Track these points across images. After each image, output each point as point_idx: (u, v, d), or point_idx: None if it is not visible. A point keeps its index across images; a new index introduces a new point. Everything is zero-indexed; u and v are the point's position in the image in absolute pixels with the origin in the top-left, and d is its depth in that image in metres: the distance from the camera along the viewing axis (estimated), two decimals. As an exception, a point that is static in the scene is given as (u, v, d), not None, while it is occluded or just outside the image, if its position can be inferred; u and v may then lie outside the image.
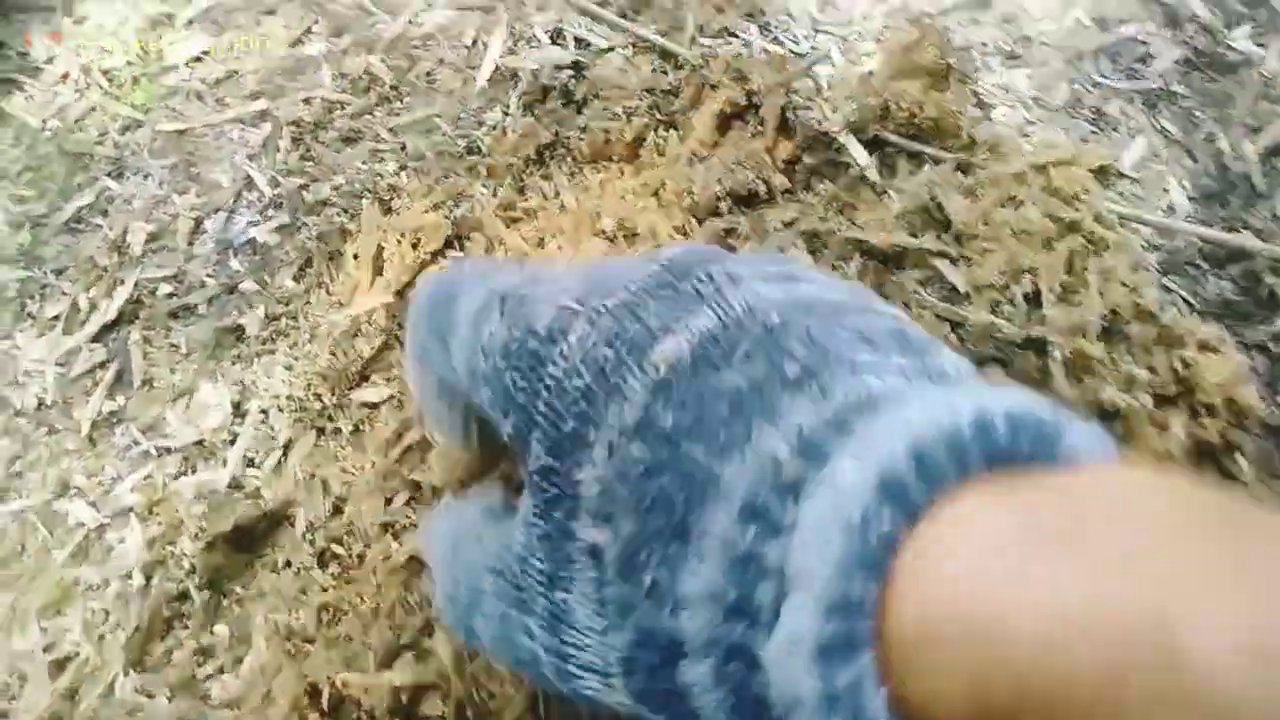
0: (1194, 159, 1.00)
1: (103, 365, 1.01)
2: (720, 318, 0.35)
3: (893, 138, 0.98)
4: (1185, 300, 0.89)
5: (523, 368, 0.37)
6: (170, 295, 1.06)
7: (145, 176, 1.16)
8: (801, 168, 0.98)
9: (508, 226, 1.02)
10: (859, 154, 0.96)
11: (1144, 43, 1.10)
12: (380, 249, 0.99)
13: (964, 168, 0.94)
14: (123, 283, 1.05)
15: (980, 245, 0.84)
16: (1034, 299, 0.80)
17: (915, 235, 0.88)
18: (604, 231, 0.98)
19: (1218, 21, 1.10)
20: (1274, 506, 0.70)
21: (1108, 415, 0.76)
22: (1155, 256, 0.92)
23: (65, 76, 1.29)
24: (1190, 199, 0.96)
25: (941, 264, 0.85)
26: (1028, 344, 0.78)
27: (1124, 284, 0.81)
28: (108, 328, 1.04)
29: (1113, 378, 0.77)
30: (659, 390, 0.33)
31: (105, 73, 1.29)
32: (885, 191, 0.96)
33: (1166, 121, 1.03)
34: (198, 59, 1.29)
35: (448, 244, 1.00)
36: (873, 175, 0.96)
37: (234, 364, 0.98)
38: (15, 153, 1.22)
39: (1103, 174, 0.99)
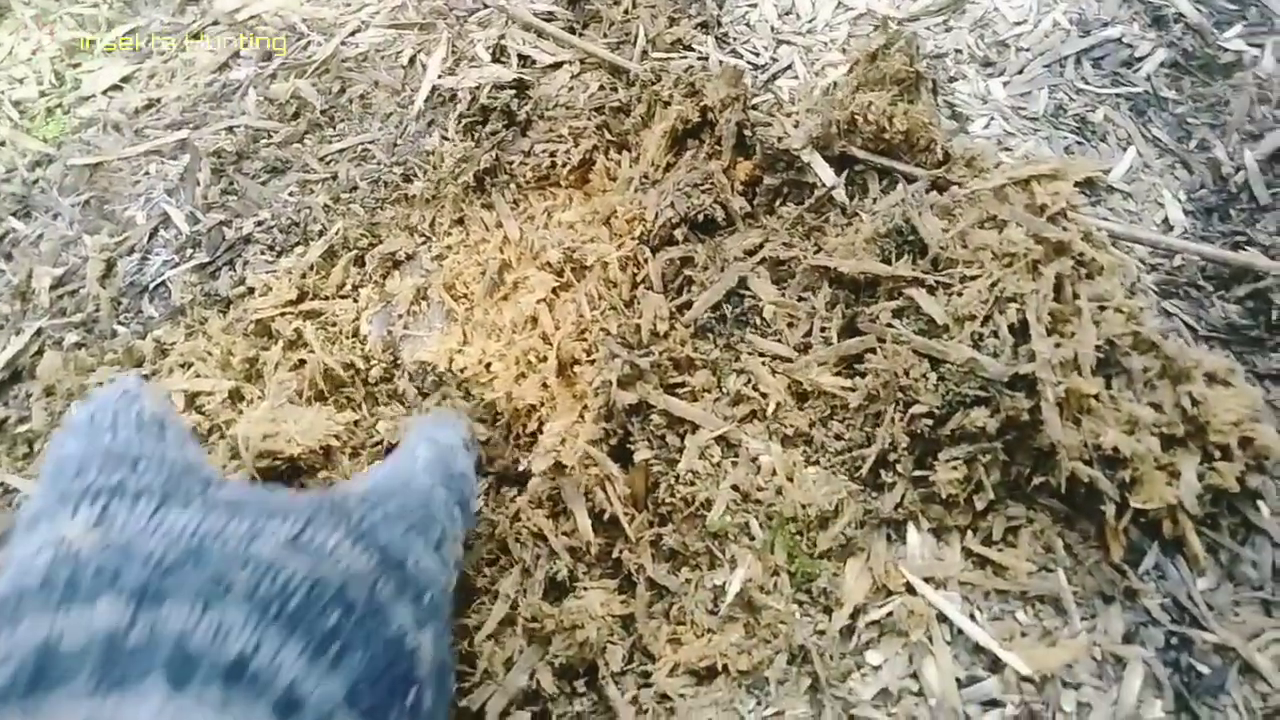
0: (1189, 169, 0.91)
1: (1, 426, 0.92)
2: None
3: (860, 154, 0.89)
4: (1188, 325, 0.81)
5: None
6: (79, 345, 0.96)
7: (54, 215, 1.07)
8: (763, 189, 0.90)
9: (438, 261, 0.93)
10: (825, 172, 0.88)
11: (1129, 45, 1.02)
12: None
13: (939, 185, 0.86)
14: (20, 332, 0.96)
15: (959, 271, 0.76)
16: (1020, 330, 0.72)
17: (888, 261, 0.80)
18: (550, 264, 0.90)
19: (1206, 22, 1.02)
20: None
21: (1112, 462, 0.67)
22: (1152, 278, 0.84)
23: (-28, 110, 1.20)
24: (1187, 213, 0.88)
25: (917, 293, 0.76)
26: (1016, 382, 0.69)
27: (1120, 310, 0.73)
28: (6, 384, 0.94)
29: (1113, 418, 0.68)
30: None
31: (16, 104, 1.19)
32: (855, 213, 0.87)
33: (1157, 129, 0.95)
34: (117, 87, 1.20)
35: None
36: (840, 195, 0.88)
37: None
38: (-85, 193, 1.13)
39: (1091, 187, 0.91)
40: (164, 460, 0.48)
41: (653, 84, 0.96)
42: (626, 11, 1.11)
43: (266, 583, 0.40)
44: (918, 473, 0.72)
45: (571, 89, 1.04)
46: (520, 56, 1.09)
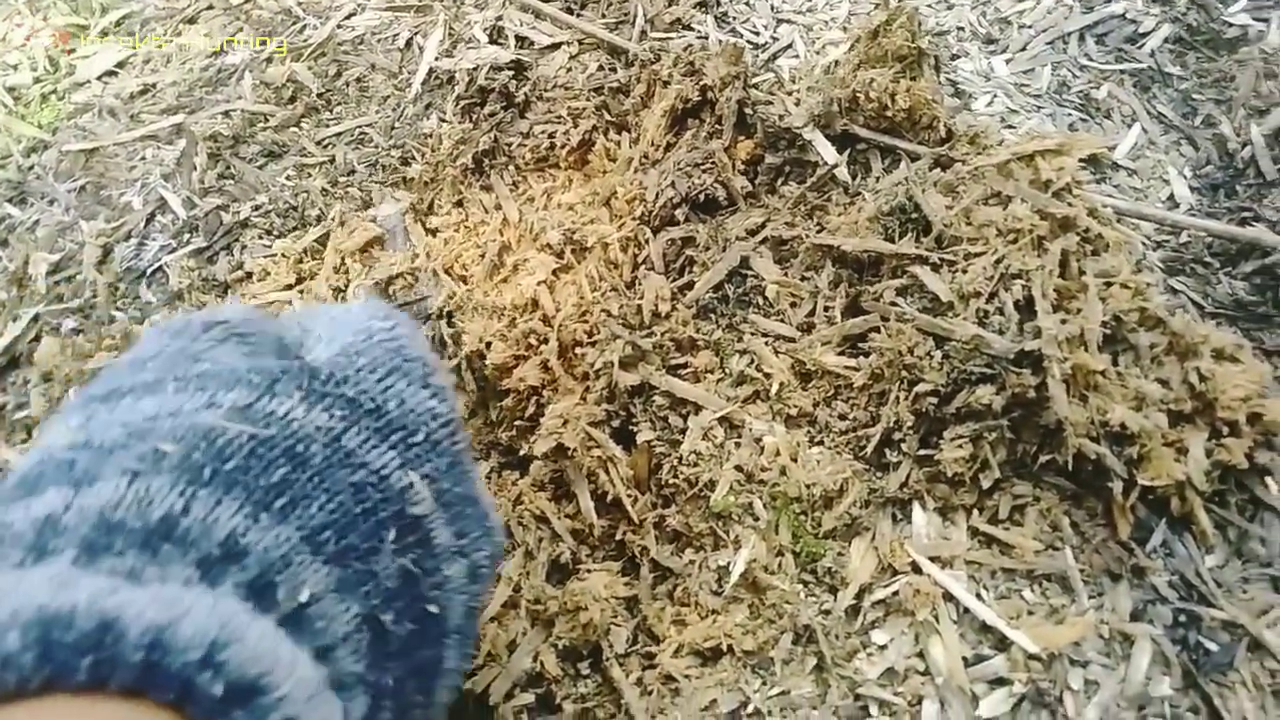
0: (1194, 145, 0.91)
1: (-1, 412, 0.91)
2: None
3: (863, 132, 0.88)
4: (1194, 302, 0.80)
5: None
6: (76, 331, 0.95)
7: (50, 201, 1.06)
8: (764, 168, 0.89)
9: (433, 235, 0.92)
10: (827, 151, 0.87)
11: (1133, 21, 1.02)
12: None
13: (943, 163, 0.85)
14: (17, 318, 0.95)
15: (964, 248, 0.75)
16: (1026, 307, 0.71)
17: (891, 239, 0.79)
18: (550, 246, 0.89)
19: (1211, -4, 1.02)
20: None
21: (1119, 439, 0.67)
22: (1158, 255, 0.83)
23: (-34, 96, 1.19)
24: (1193, 189, 0.87)
25: (921, 271, 0.75)
26: (1022, 359, 0.68)
27: (1126, 286, 0.72)
28: (4, 370, 0.94)
29: (1120, 394, 0.68)
30: None
31: (10, 90, 1.19)
32: (858, 192, 0.87)
33: (1162, 106, 0.94)
34: (111, 73, 1.19)
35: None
36: (843, 174, 0.87)
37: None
38: (-90, 180, 1.12)
39: (1095, 164, 0.90)
40: (178, 351, 0.46)
41: (652, 63, 0.95)
42: (625, -9, 1.10)
43: (201, 448, 0.39)
44: (923, 451, 0.72)
45: (570, 70, 1.03)
46: (518, 37, 1.08)
